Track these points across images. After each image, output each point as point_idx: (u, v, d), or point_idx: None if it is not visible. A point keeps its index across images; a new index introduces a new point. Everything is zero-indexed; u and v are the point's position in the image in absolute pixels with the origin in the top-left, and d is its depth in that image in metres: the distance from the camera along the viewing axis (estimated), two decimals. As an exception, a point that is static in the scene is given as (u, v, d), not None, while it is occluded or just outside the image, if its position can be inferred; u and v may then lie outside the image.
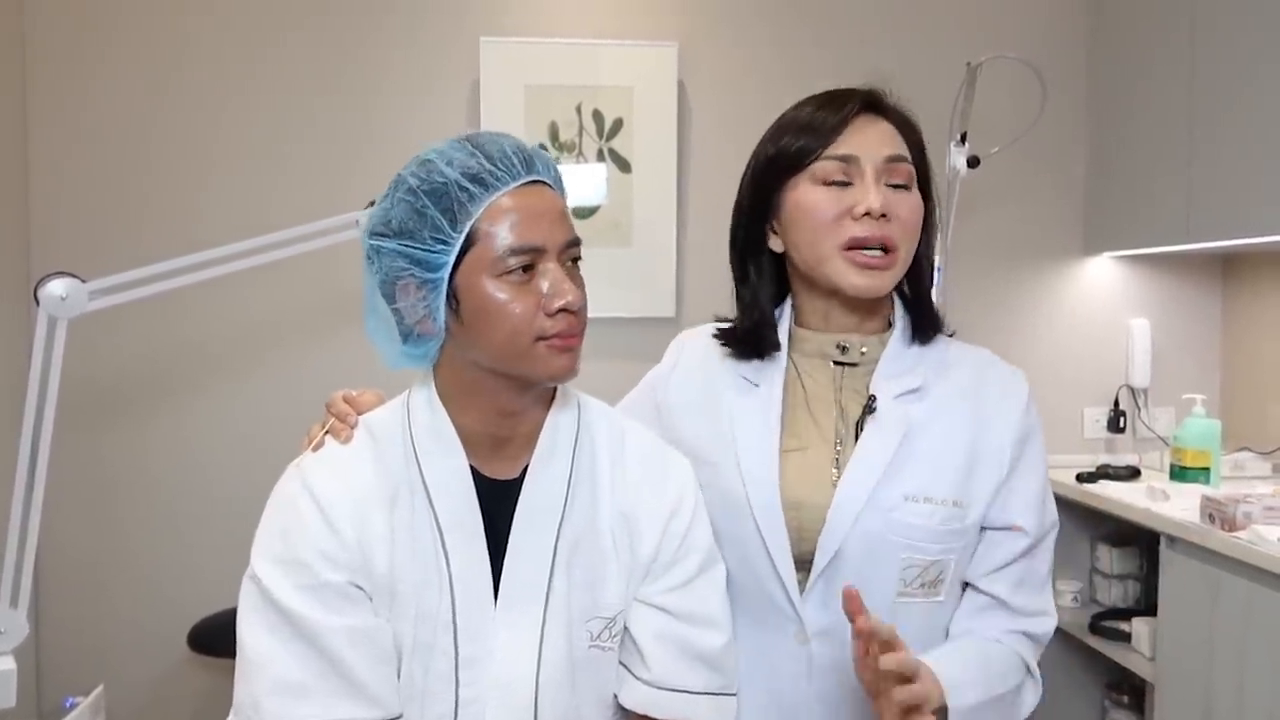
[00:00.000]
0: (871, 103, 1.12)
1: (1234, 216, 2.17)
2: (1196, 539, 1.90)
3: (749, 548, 1.11)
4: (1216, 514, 1.89)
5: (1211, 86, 2.23)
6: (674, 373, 1.25)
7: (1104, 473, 2.42)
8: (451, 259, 0.96)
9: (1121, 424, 2.66)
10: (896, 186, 1.10)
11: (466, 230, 0.96)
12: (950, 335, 1.21)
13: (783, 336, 1.18)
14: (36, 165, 2.40)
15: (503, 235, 0.96)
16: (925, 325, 1.16)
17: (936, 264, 2.23)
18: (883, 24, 2.60)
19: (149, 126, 2.42)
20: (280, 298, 2.46)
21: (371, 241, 1.00)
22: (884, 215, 1.07)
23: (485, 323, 0.97)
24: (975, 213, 2.56)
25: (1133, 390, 2.67)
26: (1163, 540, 2.01)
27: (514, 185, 0.98)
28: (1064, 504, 2.45)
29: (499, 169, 0.97)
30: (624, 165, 2.53)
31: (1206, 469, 2.26)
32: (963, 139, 2.31)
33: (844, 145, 1.09)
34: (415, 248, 0.96)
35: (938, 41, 2.58)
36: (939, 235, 2.13)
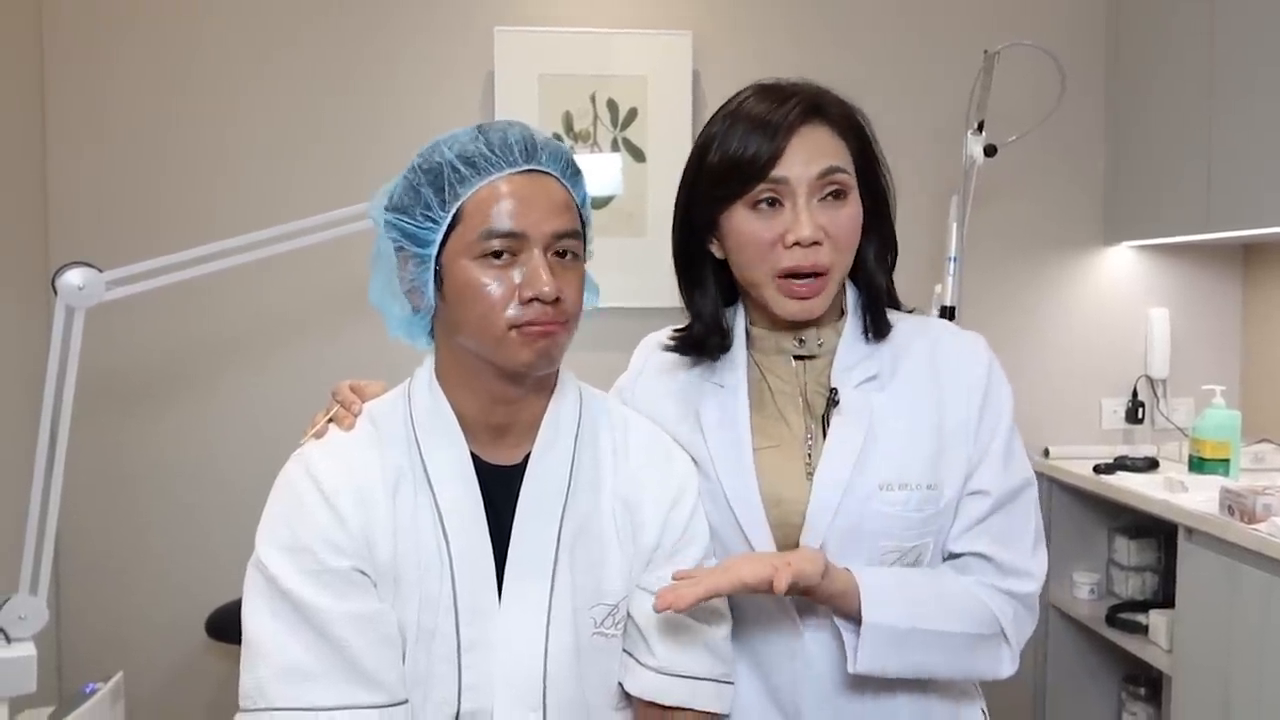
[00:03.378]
0: (810, 110, 1.08)
1: (1254, 205, 2.14)
2: (1215, 531, 1.89)
3: (734, 545, 1.11)
4: (1235, 506, 1.87)
5: (1231, 75, 2.20)
6: (639, 379, 1.25)
7: (1122, 464, 2.40)
8: (439, 237, 0.99)
9: (1140, 415, 2.64)
10: (834, 195, 1.08)
11: (454, 210, 0.99)
12: (910, 311, 1.21)
13: (740, 336, 1.18)
14: (55, 157, 2.41)
15: (485, 218, 0.98)
16: (876, 327, 1.15)
17: (952, 254, 2.25)
18: (899, 11, 2.58)
19: (166, 118, 2.44)
20: (297, 288, 2.47)
21: (377, 213, 1.04)
22: (816, 242, 1.06)
23: (463, 303, 0.99)
24: (992, 202, 2.54)
25: (1151, 381, 2.65)
26: (1181, 532, 2.00)
27: (509, 171, 0.99)
28: (1081, 495, 2.46)
29: (495, 154, 0.99)
30: (638, 155, 2.52)
31: (1226, 460, 2.24)
32: (980, 127, 2.29)
33: (776, 168, 1.07)
34: (408, 223, 1.00)
35: (955, 29, 2.56)
36: (956, 225, 2.09)
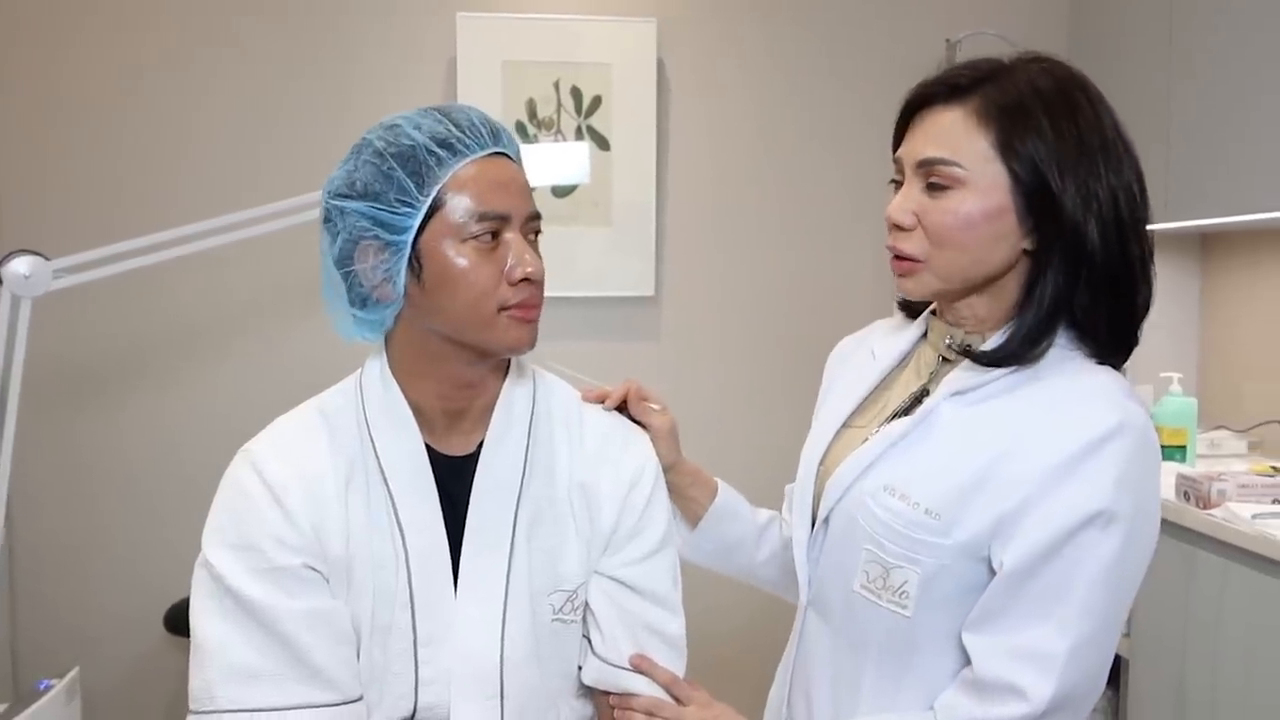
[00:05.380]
0: (946, 90, 1.01)
1: (1212, 195, 2.17)
2: (1171, 517, 1.91)
3: (795, 499, 1.14)
4: (1191, 492, 1.90)
5: (1190, 65, 2.22)
6: (844, 342, 1.26)
7: (1081, 451, 2.42)
8: (417, 222, 0.96)
9: (1100, 402, 2.66)
10: (933, 186, 0.99)
11: (433, 194, 0.96)
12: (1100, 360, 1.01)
13: (922, 323, 1.13)
14: (5, 142, 2.35)
15: (470, 201, 0.96)
16: (994, 356, 0.99)
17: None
18: (863, -1, 2.59)
19: (120, 105, 2.39)
20: (257, 276, 2.43)
21: (334, 202, 0.99)
22: (897, 225, 1.01)
23: (447, 289, 0.96)
24: (955, 191, 2.55)
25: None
26: (1138, 518, 2.02)
27: (481, 154, 0.98)
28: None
29: (467, 136, 0.98)
30: (603, 143, 2.50)
31: (1183, 447, 2.27)
32: (943, 117, 2.30)
33: (899, 147, 1.05)
34: (381, 209, 0.96)
35: (917, 17, 2.56)
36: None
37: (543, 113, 2.48)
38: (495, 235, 0.97)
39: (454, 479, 1.02)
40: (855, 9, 2.57)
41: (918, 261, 1.01)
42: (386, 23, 2.46)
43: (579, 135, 2.50)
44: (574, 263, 2.49)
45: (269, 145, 2.43)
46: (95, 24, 2.37)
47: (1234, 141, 2.09)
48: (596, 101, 2.49)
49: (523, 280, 0.97)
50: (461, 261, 0.96)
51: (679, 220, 2.54)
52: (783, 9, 2.56)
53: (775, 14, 2.56)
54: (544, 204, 2.55)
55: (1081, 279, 0.97)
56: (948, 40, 2.32)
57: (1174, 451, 2.26)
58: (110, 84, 2.38)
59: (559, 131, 2.49)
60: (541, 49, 2.47)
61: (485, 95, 2.44)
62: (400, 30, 2.47)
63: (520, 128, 2.47)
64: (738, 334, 2.57)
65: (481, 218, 0.96)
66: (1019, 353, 0.98)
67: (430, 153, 0.95)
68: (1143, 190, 1.01)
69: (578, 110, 2.49)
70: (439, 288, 0.97)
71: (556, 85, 2.48)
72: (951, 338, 1.06)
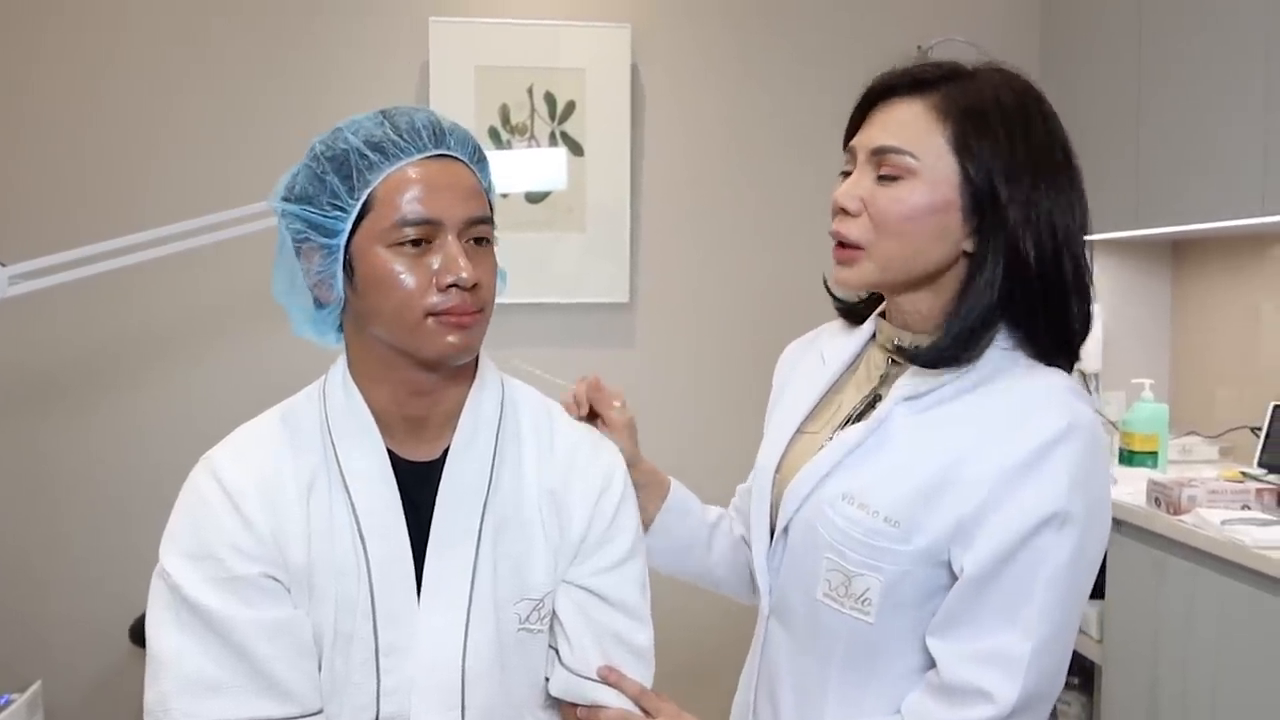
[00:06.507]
0: (908, 84, 1.02)
1: (1182, 202, 2.18)
2: (1142, 522, 1.92)
3: (750, 506, 1.13)
4: (1162, 497, 1.90)
5: (1160, 72, 2.24)
6: (792, 346, 1.25)
7: (1054, 457, 2.43)
8: (348, 226, 0.95)
9: (1073, 409, 2.67)
10: (885, 177, 1.00)
11: (364, 198, 0.95)
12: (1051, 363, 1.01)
13: (870, 324, 1.13)
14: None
15: (398, 205, 0.94)
16: (933, 355, 1.00)
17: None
18: (834, 4, 2.59)
19: (90, 107, 2.36)
20: (227, 281, 2.41)
21: (277, 204, 1.00)
22: (843, 209, 1.02)
23: (377, 293, 0.95)
24: (929, 198, 2.56)
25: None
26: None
27: (418, 157, 0.96)
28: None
29: (403, 139, 0.96)
30: (576, 149, 2.49)
31: (1154, 453, 2.28)
32: (915, 123, 2.31)
33: (854, 136, 1.05)
34: (313, 212, 0.96)
35: (889, 23, 2.58)
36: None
37: (516, 118, 2.47)
38: (427, 240, 0.95)
39: (418, 485, 1.01)
40: (828, 15, 2.58)
41: (859, 249, 1.01)
42: (359, 26, 2.45)
43: (553, 141, 2.48)
44: (548, 269, 2.47)
45: (239, 149, 2.40)
46: (63, 23, 2.34)
47: (1204, 148, 2.11)
48: (570, 107, 2.48)
49: (451, 286, 0.94)
50: (389, 266, 0.94)
51: (653, 226, 2.53)
52: (756, 15, 2.56)
53: (748, 20, 2.56)
54: (518, 210, 2.56)
55: (1018, 288, 0.98)
56: (919, 47, 2.33)
57: (1145, 457, 2.27)
58: (79, 85, 2.35)
59: (532, 137, 2.48)
60: (515, 54, 2.46)
61: (458, 100, 2.42)
62: (373, 34, 2.45)
63: (493, 133, 2.46)
64: (713, 339, 2.56)
65: (408, 223, 0.94)
66: (951, 353, 0.98)
67: (362, 156, 0.95)
68: (1084, 213, 1.02)
69: (551, 116, 2.48)
70: (370, 291, 0.96)
71: (530, 90, 2.47)
72: (897, 339, 1.06)
